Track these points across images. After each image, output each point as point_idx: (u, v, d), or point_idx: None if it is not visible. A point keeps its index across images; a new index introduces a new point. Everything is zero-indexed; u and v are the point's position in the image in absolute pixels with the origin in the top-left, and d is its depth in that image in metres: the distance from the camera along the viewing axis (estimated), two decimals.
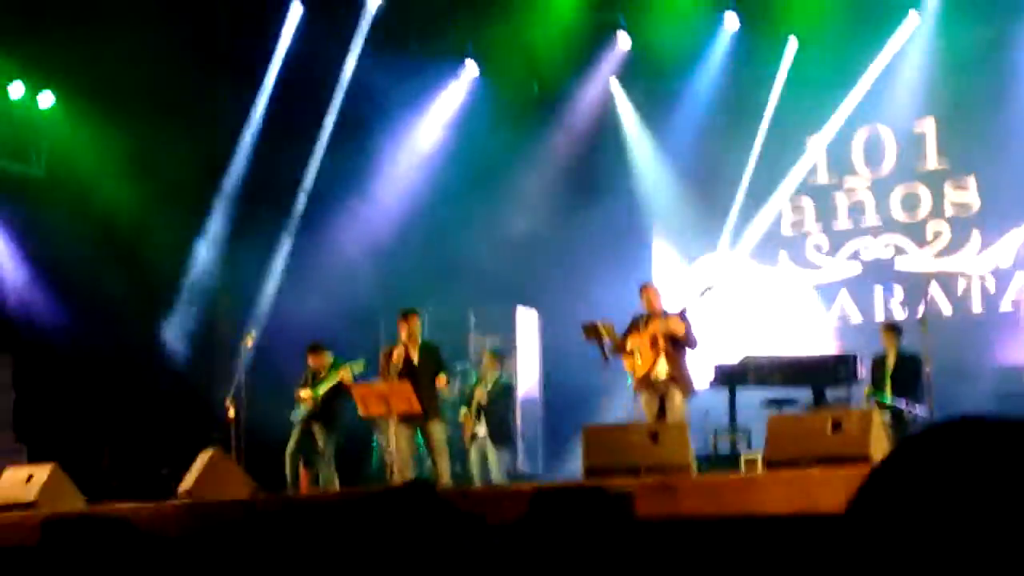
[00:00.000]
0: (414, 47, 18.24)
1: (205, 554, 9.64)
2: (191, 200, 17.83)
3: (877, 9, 17.73)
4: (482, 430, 15.55)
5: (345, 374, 14.21)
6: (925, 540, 1.71)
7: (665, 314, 13.13)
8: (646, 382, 13.00)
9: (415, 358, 13.65)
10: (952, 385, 14.91)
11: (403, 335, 13.72)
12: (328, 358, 14.55)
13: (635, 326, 13.27)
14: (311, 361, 14.57)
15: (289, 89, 18.32)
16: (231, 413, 14.21)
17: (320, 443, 14.39)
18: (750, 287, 18.99)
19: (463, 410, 15.83)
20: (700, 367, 14.71)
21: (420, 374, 13.48)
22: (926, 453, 1.80)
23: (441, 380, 13.59)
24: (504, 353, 16.93)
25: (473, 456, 15.65)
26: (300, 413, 14.45)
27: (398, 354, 13.60)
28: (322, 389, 14.29)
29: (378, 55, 17.61)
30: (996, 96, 17.51)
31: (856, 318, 18.31)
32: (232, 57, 17.96)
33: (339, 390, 14.28)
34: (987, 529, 1.66)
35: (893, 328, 14.70)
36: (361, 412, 13.52)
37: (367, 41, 18.14)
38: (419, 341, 13.80)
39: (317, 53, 18.16)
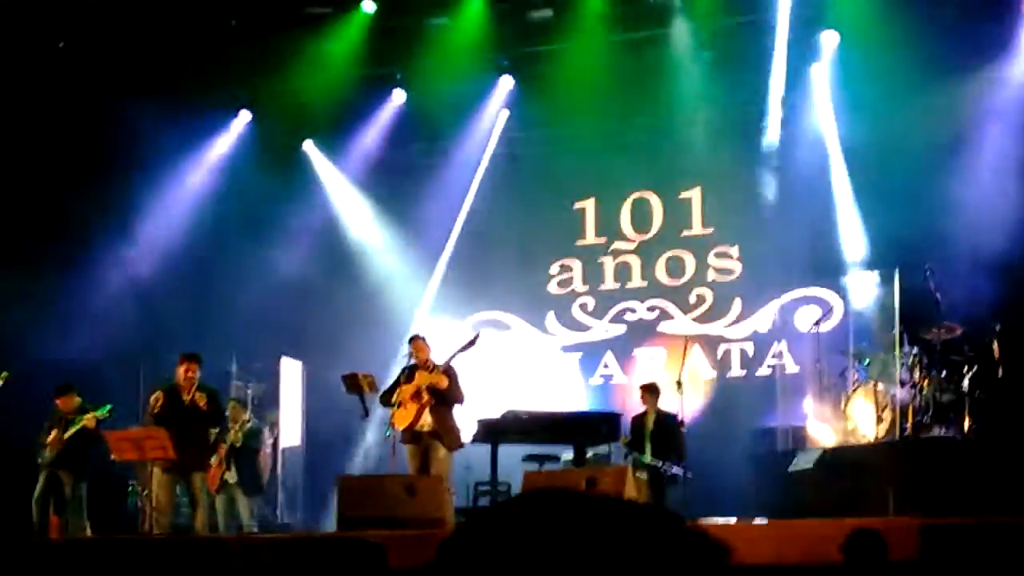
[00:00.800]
0: (187, 92, 17.94)
1: None
2: None
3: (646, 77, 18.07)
4: (232, 477, 15.23)
5: (89, 421, 13.74)
6: None
7: (433, 367, 13.09)
8: (410, 434, 12.93)
9: (187, 403, 13.29)
10: (709, 446, 15.27)
11: (180, 378, 13.38)
12: (76, 401, 14.09)
13: (402, 378, 13.21)
14: (59, 403, 14.10)
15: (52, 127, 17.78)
16: None
17: (68, 489, 13.88)
18: (518, 344, 19.16)
19: (212, 457, 15.48)
20: (466, 421, 14.74)
21: (193, 420, 13.16)
22: (493, 524, 1.94)
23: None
24: (247, 402, 16.82)
25: (220, 504, 15.19)
26: (45, 457, 13.95)
27: (169, 398, 13.26)
28: (67, 434, 13.81)
29: (147, 99, 17.22)
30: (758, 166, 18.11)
31: (620, 378, 18.59)
32: None
33: (86, 435, 13.81)
34: None
35: (651, 389, 14.95)
36: (115, 457, 13.19)
37: (135, 83, 17.68)
38: (194, 385, 13.41)
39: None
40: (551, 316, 19.28)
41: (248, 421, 15.82)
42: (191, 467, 13.15)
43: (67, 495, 13.83)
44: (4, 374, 14.25)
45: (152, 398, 13.52)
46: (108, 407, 13.90)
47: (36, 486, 13.94)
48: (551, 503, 1.86)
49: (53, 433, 13.85)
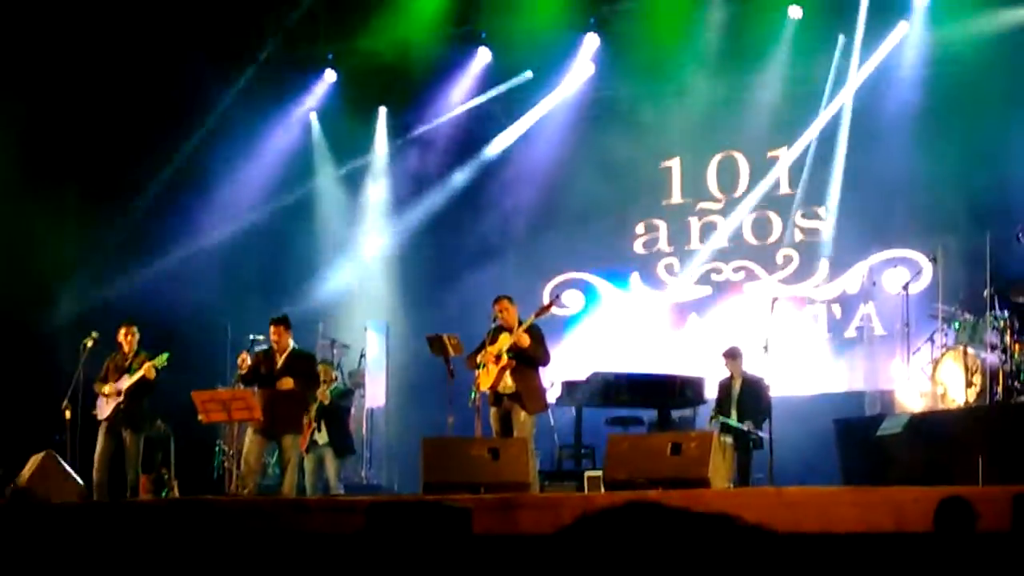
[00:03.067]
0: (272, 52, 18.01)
1: (31, 555, 9.37)
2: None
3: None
4: (322, 438, 15.32)
5: (148, 371, 13.52)
6: None
7: (519, 325, 13.02)
8: (492, 396, 12.89)
9: (279, 365, 13.34)
10: (796, 409, 15.19)
11: (273, 341, 13.43)
12: (136, 338, 13.79)
13: (487, 339, 13.16)
14: (122, 336, 13.76)
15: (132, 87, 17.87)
16: (68, 414, 13.77)
17: (129, 443, 13.58)
18: (604, 305, 19.11)
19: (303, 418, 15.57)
20: (550, 383, 14.72)
21: (283, 383, 13.20)
22: (597, 531, 2.18)
23: (287, 383, 13.21)
24: (331, 362, 16.91)
25: (309, 464, 15.29)
26: (105, 412, 13.63)
27: (264, 361, 13.31)
28: (127, 384, 13.56)
29: (230, 58, 17.27)
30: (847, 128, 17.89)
31: (705, 340, 18.45)
32: None
33: (145, 385, 13.60)
34: None
35: (732, 354, 14.86)
36: (202, 419, 13.21)
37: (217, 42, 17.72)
38: (287, 349, 13.44)
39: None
40: (636, 276, 19.18)
41: (336, 380, 15.92)
42: (282, 430, 13.20)
43: (128, 450, 13.57)
44: (92, 335, 14.19)
45: (239, 359, 13.54)
46: (167, 355, 13.65)
47: (97, 443, 13.63)
48: (652, 525, 1.93)
49: (109, 385, 13.61)
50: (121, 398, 13.51)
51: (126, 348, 13.76)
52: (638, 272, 19.16)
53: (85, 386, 13.90)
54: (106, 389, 13.61)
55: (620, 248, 19.29)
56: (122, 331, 13.81)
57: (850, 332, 17.70)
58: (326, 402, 15.38)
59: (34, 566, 9.23)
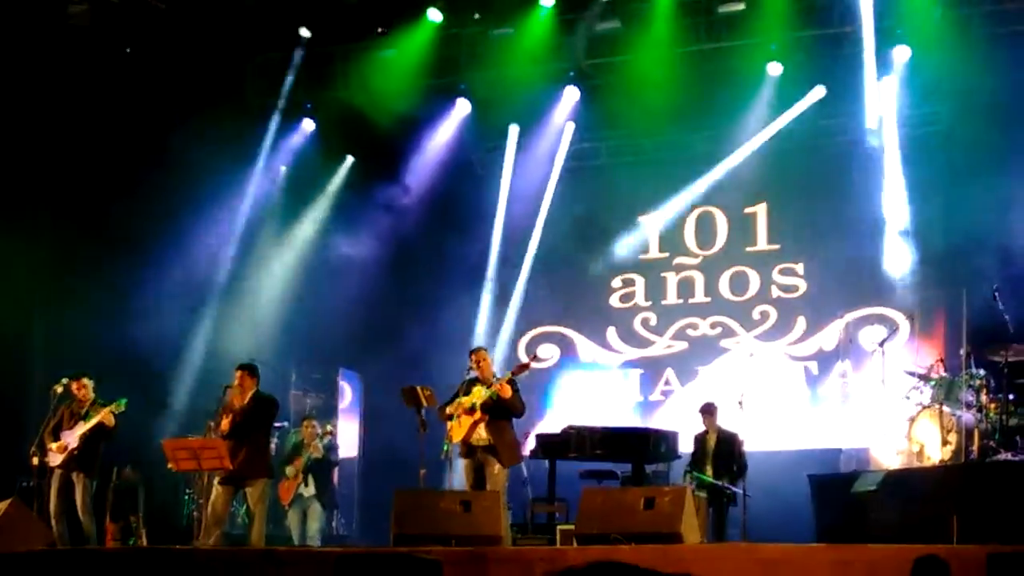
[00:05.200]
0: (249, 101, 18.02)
1: None
2: None
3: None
4: (308, 491, 15.33)
5: (107, 416, 13.28)
6: None
7: (496, 379, 12.95)
8: (465, 448, 12.81)
9: (239, 413, 13.17)
10: (770, 465, 15.14)
11: (234, 388, 13.22)
12: (90, 390, 13.58)
13: (461, 390, 13.08)
14: (75, 389, 13.53)
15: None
16: (35, 460, 13.59)
17: (79, 488, 13.27)
18: (580, 359, 19.10)
19: (289, 469, 15.50)
20: (523, 435, 14.63)
21: (244, 430, 13.02)
22: None
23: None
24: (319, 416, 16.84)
25: (294, 517, 15.34)
26: (54, 460, 13.33)
27: (224, 413, 13.12)
28: (82, 431, 13.31)
29: (210, 106, 17.23)
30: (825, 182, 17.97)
31: (681, 395, 18.42)
32: None
33: (102, 432, 13.35)
34: None
35: (708, 410, 14.84)
36: (171, 467, 13.05)
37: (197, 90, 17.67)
38: (249, 394, 13.23)
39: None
40: (612, 331, 19.15)
41: (328, 434, 15.91)
42: (247, 476, 13.01)
43: (79, 495, 13.26)
44: (61, 381, 14.04)
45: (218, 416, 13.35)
46: (124, 400, 13.44)
47: (50, 493, 13.34)
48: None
49: (58, 443, 13.34)
50: (76, 443, 13.36)
51: (80, 398, 13.63)
52: (614, 327, 19.13)
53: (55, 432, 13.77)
54: (55, 446, 13.37)
55: (596, 302, 19.27)
56: (73, 385, 13.63)
57: (826, 389, 17.67)
58: (318, 455, 15.39)
59: None
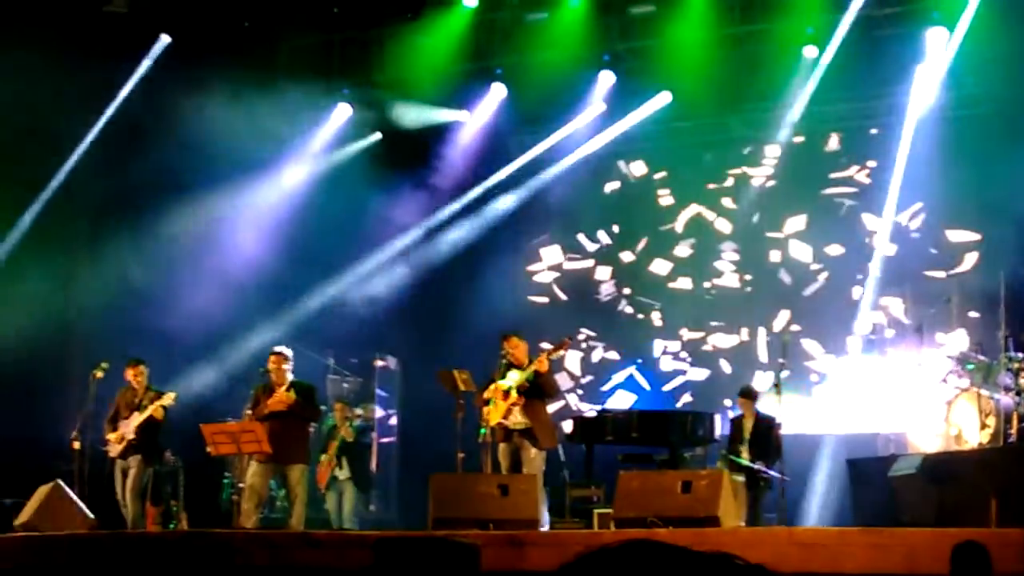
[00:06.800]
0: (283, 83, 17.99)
1: None
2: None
3: None
4: (343, 473, 15.45)
5: (157, 411, 13.57)
6: None
7: (530, 362, 12.98)
8: (502, 432, 12.84)
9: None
10: (807, 449, 15.12)
11: (271, 371, 13.33)
12: (145, 377, 13.84)
13: (496, 375, 13.11)
14: (130, 375, 13.80)
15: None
16: (76, 444, 13.74)
17: (132, 473, 13.53)
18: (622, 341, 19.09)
19: (323, 455, 15.63)
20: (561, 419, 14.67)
21: (287, 414, 13.10)
22: (596, 568, 2.19)
23: (286, 397, 13.17)
24: (350, 400, 17.00)
25: (331, 499, 15.55)
26: (115, 450, 13.68)
27: (262, 395, 13.21)
28: (136, 423, 13.55)
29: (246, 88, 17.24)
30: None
31: (720, 378, 18.37)
32: None
33: (154, 423, 13.65)
34: None
35: (746, 393, 14.80)
36: (211, 451, 13.18)
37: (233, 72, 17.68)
38: (285, 382, 13.32)
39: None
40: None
41: (358, 417, 16.02)
42: (286, 460, 13.10)
43: (131, 479, 13.53)
44: (100, 365, 14.15)
45: (254, 392, 13.47)
46: (174, 394, 13.78)
47: (115, 483, 13.69)
48: (651, 564, 1.92)
49: (117, 433, 13.62)
50: (132, 435, 13.54)
51: (135, 386, 13.79)
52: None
53: (95, 417, 13.91)
54: (113, 437, 13.67)
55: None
56: (130, 372, 13.85)
57: (865, 372, 17.59)
58: (349, 439, 15.53)
59: None
